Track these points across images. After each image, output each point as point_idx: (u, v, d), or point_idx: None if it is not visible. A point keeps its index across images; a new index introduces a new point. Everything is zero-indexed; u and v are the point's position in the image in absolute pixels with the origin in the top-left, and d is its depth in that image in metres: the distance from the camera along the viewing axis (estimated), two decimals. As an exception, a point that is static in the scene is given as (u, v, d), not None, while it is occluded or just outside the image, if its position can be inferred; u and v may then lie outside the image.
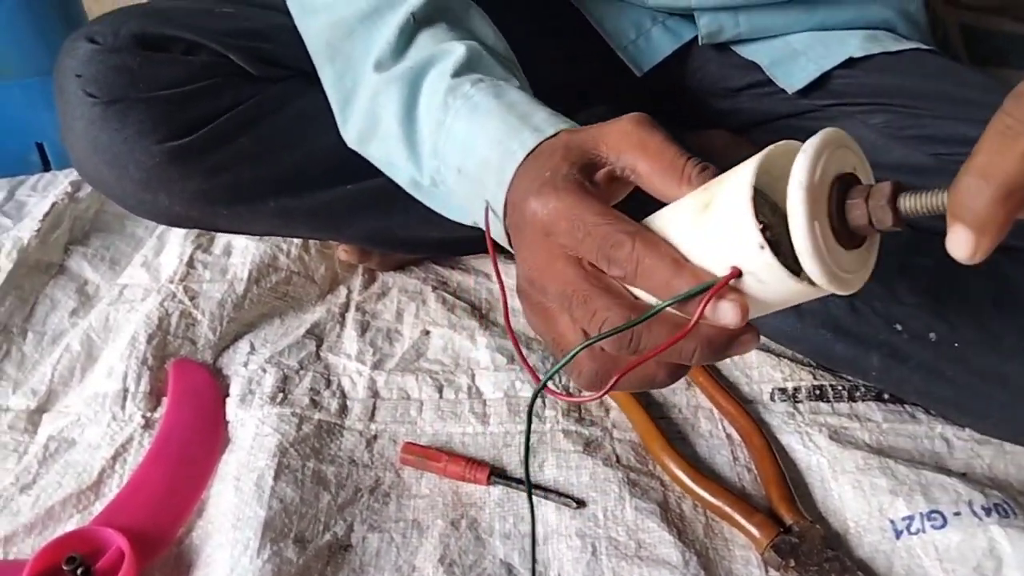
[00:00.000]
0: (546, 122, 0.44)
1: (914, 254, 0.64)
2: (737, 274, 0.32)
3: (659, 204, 0.39)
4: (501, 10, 0.57)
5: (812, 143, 0.31)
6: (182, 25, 0.64)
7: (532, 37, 0.62)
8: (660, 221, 0.37)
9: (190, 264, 0.80)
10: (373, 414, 0.70)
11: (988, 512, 0.59)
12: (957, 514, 0.60)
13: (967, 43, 1.04)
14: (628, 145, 0.40)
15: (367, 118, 0.53)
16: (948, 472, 0.64)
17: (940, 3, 1.07)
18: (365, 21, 0.53)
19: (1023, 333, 0.61)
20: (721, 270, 0.33)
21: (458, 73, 0.48)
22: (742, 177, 0.32)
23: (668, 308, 0.34)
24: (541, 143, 0.42)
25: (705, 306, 0.33)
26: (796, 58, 0.75)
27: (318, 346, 0.76)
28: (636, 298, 0.37)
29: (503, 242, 0.46)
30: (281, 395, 0.70)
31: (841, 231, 0.31)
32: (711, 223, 0.33)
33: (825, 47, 0.74)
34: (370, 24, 0.52)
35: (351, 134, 0.55)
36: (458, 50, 0.49)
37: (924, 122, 0.68)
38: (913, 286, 0.65)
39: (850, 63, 0.72)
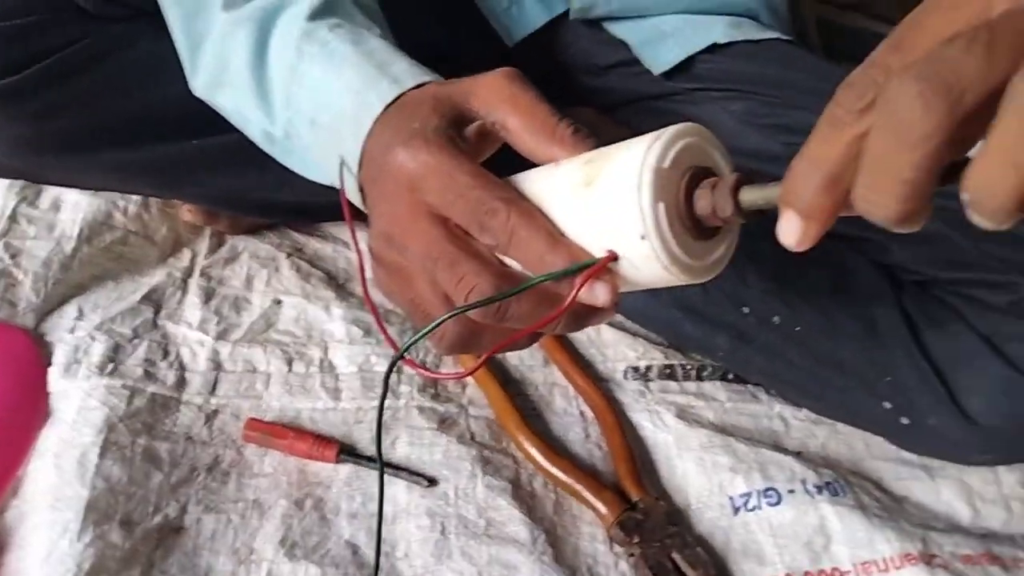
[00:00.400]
0: (406, 73, 0.41)
1: (761, 240, 0.66)
2: (614, 258, 0.32)
3: (525, 163, 0.38)
4: None
5: (668, 131, 0.31)
6: None
7: (401, 2, 0.59)
8: (533, 187, 0.36)
9: (12, 218, 0.72)
10: (214, 388, 0.66)
11: (820, 490, 0.63)
12: (791, 491, 0.63)
13: (824, 37, 1.09)
14: (499, 99, 0.39)
15: (215, 63, 0.48)
16: (785, 451, 0.67)
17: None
18: None
19: (859, 320, 0.64)
20: (598, 250, 0.33)
21: (314, 16, 0.44)
22: (631, 162, 0.31)
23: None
24: (404, 94, 0.40)
25: (580, 288, 0.33)
26: (664, 40, 0.75)
27: (156, 313, 0.71)
28: (504, 265, 0.36)
29: (359, 202, 0.43)
30: (111, 365, 0.65)
31: (690, 221, 0.32)
32: (593, 202, 0.33)
33: (692, 31, 0.75)
34: None
35: (199, 81, 0.50)
36: None
37: (779, 111, 0.70)
38: (760, 271, 0.67)
39: (714, 49, 0.74)
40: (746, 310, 0.67)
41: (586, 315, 0.36)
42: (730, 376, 0.73)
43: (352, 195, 0.43)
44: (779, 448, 0.67)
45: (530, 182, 0.37)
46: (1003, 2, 0.25)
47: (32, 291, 0.68)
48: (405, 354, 0.35)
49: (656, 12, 0.76)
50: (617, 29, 0.77)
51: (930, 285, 0.65)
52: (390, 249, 0.39)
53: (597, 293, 0.33)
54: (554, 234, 0.34)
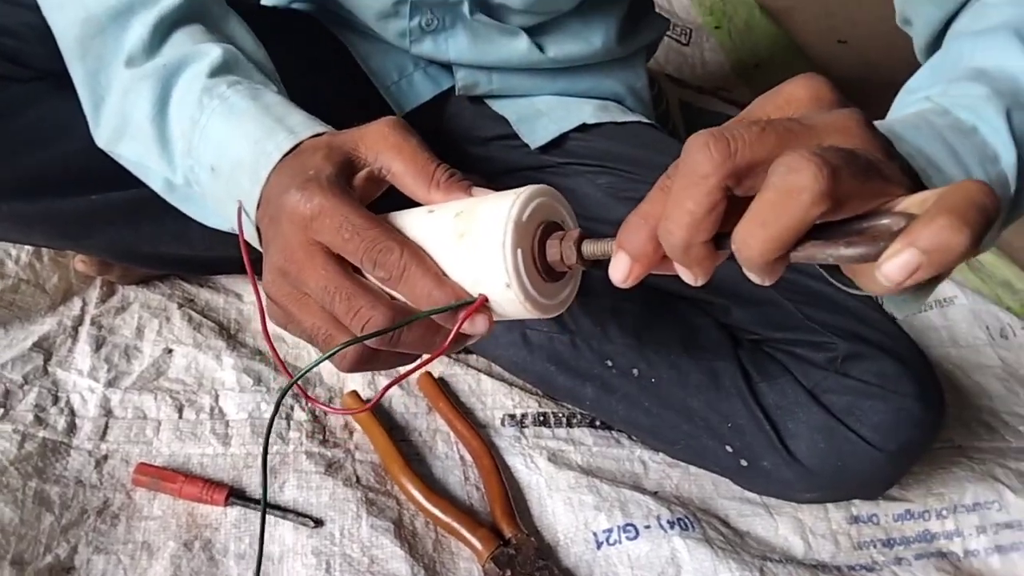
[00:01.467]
0: (302, 124, 0.46)
1: (622, 299, 0.74)
2: (485, 300, 0.39)
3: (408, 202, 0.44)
4: (271, 40, 0.59)
5: (525, 191, 0.39)
6: None
7: (300, 68, 0.64)
8: (412, 230, 0.42)
9: (-102, 265, 0.72)
10: (104, 433, 0.68)
11: (672, 525, 0.70)
12: (647, 527, 0.70)
13: (685, 117, 1.20)
14: (385, 146, 0.44)
15: (118, 117, 0.52)
16: (643, 490, 0.74)
17: (664, 80, 1.23)
18: (118, 19, 0.52)
19: (704, 373, 0.73)
20: (472, 289, 0.39)
21: (214, 74, 0.49)
22: (496, 221, 0.38)
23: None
24: (299, 144, 0.45)
25: (463, 323, 0.39)
26: (539, 118, 0.83)
27: (46, 360, 0.72)
28: (392, 297, 0.41)
29: (256, 243, 0.47)
30: (1, 410, 0.66)
31: (543, 267, 0.39)
32: (466, 253, 0.39)
33: (565, 111, 0.84)
34: (123, 21, 0.52)
35: (102, 134, 0.54)
36: (214, 51, 0.50)
37: (639, 186, 0.79)
38: (622, 327, 0.75)
39: (584, 128, 0.82)
40: (610, 363, 0.75)
41: (463, 340, 0.42)
42: (597, 423, 0.80)
43: (250, 236, 0.47)
44: (638, 488, 0.74)
45: (408, 226, 0.42)
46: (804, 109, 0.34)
47: (-82, 337, 0.68)
48: (298, 382, 0.40)
49: (533, 93, 0.84)
50: (498, 106, 0.85)
51: (763, 343, 0.74)
52: (285, 283, 0.43)
53: (477, 325, 0.40)
54: (439, 275, 0.40)
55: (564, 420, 0.80)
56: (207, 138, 0.48)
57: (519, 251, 0.38)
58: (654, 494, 0.74)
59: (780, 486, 0.72)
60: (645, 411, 0.74)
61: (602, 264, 0.37)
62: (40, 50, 0.60)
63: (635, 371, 0.74)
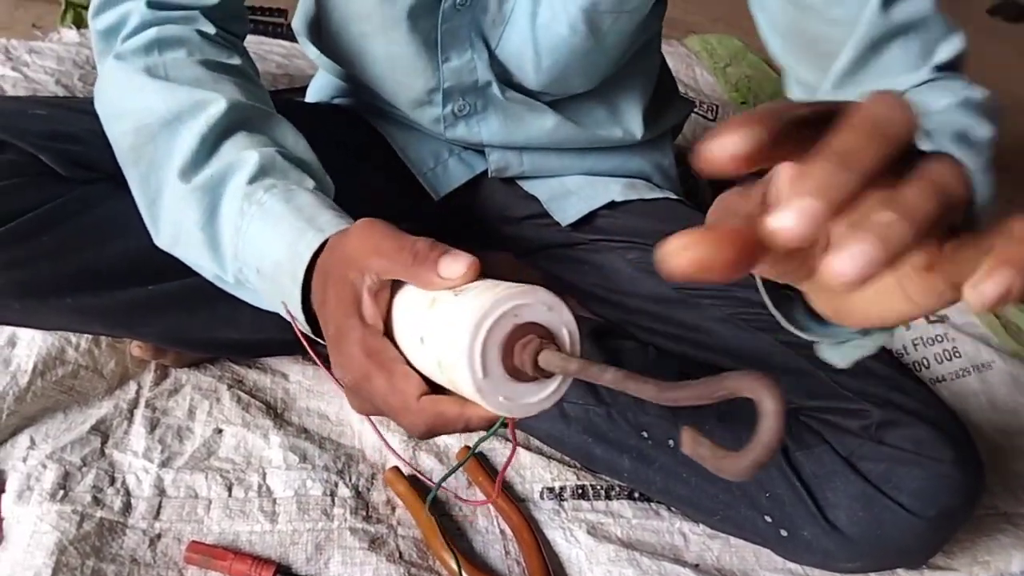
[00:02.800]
0: (330, 223, 0.50)
1: (655, 371, 0.76)
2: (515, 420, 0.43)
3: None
4: (316, 133, 0.63)
5: (501, 297, 0.38)
6: None
7: (344, 158, 0.69)
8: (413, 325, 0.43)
9: (-32, 354, 0.77)
10: (158, 512, 0.70)
11: (713, 597, 0.70)
12: (689, 599, 0.70)
13: (714, 191, 1.23)
14: (370, 256, 0.44)
15: (174, 226, 0.57)
16: (684, 563, 0.74)
17: (693, 155, 1.26)
18: (166, 128, 0.58)
19: (741, 443, 0.73)
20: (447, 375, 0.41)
21: (253, 180, 0.53)
22: (462, 336, 0.38)
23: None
24: (328, 239, 0.48)
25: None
26: (569, 197, 0.87)
27: (103, 442, 0.76)
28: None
29: (309, 331, 0.50)
30: (61, 492, 0.69)
31: (512, 371, 0.39)
32: (441, 351, 0.40)
33: (593, 189, 0.87)
34: (171, 130, 0.57)
35: (162, 240, 0.59)
36: (253, 158, 0.54)
37: None
38: (656, 400, 0.76)
39: (612, 205, 0.85)
40: (645, 434, 0.76)
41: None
42: (635, 495, 0.81)
43: (302, 326, 0.50)
44: (679, 561, 0.75)
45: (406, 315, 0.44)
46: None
47: (-13, 422, 0.72)
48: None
49: (562, 173, 0.88)
50: (529, 186, 0.89)
51: (797, 412, 0.75)
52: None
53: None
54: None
55: (603, 492, 0.80)
56: (249, 243, 0.52)
57: (482, 355, 0.38)
58: (695, 567, 0.75)
59: (821, 556, 0.71)
60: (683, 481, 0.75)
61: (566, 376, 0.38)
62: (103, 154, 0.65)
63: (671, 442, 0.75)
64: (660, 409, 0.76)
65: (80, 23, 1.40)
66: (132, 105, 0.60)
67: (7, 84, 1.16)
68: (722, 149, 0.24)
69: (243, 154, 0.55)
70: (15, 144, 0.64)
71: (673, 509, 0.80)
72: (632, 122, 0.85)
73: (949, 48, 0.59)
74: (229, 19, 0.69)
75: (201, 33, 0.65)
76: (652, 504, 0.80)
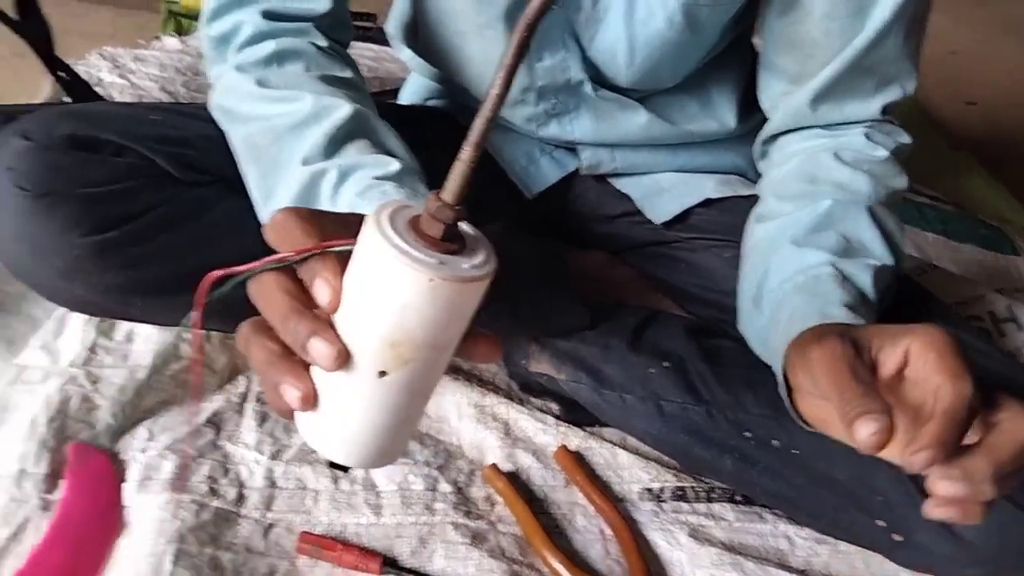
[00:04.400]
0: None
1: (755, 370, 0.74)
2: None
3: None
4: (413, 136, 0.65)
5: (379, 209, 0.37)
6: (112, 129, 0.68)
7: (439, 160, 0.70)
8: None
9: (92, 350, 0.81)
10: (270, 503, 0.73)
11: (822, 605, 0.68)
12: (797, 607, 0.68)
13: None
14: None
15: (297, 201, 0.58)
16: (790, 568, 0.72)
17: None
18: (293, 130, 0.60)
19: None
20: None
21: (382, 179, 0.55)
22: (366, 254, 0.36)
23: None
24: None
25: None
26: (662, 194, 0.86)
27: (216, 435, 0.79)
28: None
29: None
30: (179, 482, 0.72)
31: (428, 239, 0.36)
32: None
33: (687, 187, 0.86)
34: (296, 133, 0.60)
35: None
36: (393, 164, 0.57)
37: None
38: (757, 399, 0.74)
39: (707, 203, 0.84)
40: (748, 434, 0.74)
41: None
42: (737, 497, 0.79)
43: None
44: (784, 566, 0.73)
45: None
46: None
47: (109, 415, 0.76)
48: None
49: (655, 170, 0.87)
50: (621, 184, 0.88)
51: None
52: None
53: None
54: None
55: (703, 494, 0.79)
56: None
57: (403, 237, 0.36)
58: (802, 572, 0.73)
59: (940, 562, 0.69)
60: (788, 483, 0.73)
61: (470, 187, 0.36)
62: (215, 158, 0.68)
63: (775, 442, 0.73)
64: (762, 408, 0.74)
65: (181, 31, 1.46)
66: (256, 112, 0.63)
67: (115, 91, 1.22)
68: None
69: (380, 157, 0.58)
70: (133, 148, 0.67)
71: (777, 512, 0.78)
72: (726, 114, 0.83)
73: (896, 92, 0.72)
74: (337, 27, 0.72)
75: (316, 46, 0.68)
76: (755, 507, 0.79)
